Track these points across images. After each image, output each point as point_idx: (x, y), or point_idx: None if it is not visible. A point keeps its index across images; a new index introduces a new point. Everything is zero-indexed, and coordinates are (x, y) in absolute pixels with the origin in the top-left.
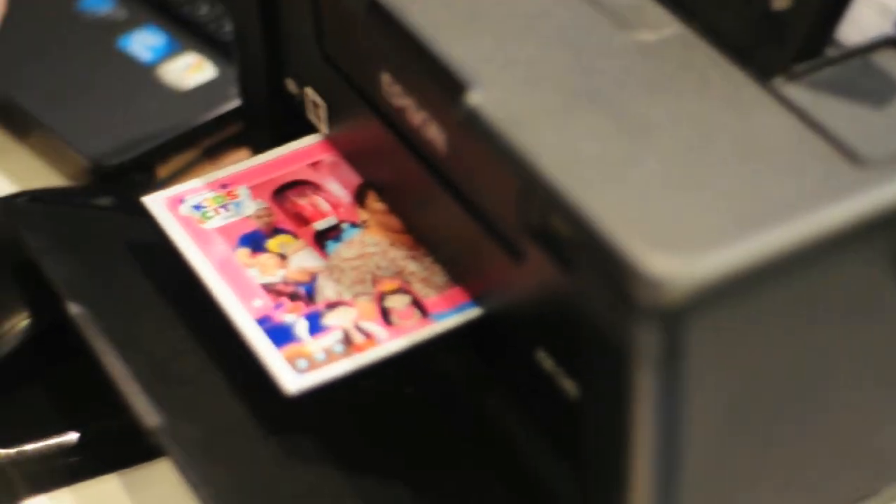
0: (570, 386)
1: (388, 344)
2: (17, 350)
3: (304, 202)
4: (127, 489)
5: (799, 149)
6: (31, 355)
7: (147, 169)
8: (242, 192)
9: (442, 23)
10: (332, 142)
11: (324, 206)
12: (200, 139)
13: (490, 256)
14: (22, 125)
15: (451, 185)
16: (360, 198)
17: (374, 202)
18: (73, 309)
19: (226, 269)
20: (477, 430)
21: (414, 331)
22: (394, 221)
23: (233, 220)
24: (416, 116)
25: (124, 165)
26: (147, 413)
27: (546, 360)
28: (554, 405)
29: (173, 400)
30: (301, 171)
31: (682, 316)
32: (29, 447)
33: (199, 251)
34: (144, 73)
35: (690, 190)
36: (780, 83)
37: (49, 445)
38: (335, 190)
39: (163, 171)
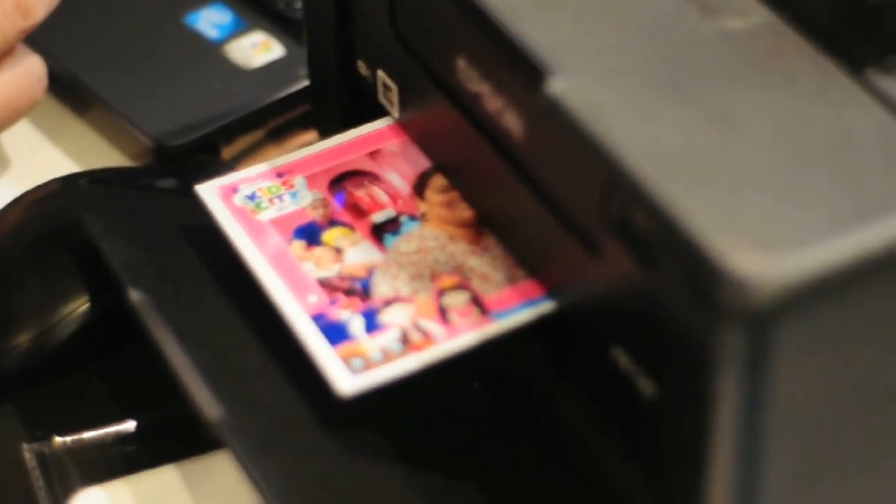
0: (646, 385)
1: (447, 343)
2: (76, 335)
3: (362, 193)
4: (184, 481)
5: (891, 144)
6: (90, 341)
7: (211, 150)
8: (298, 181)
9: (522, 5)
10: (403, 126)
11: (382, 197)
12: (266, 120)
13: (565, 249)
14: (84, 101)
15: (527, 174)
16: (419, 189)
17: (433, 194)
18: (133, 296)
19: (280, 262)
20: (544, 427)
21: (473, 330)
22: (454, 215)
23: (288, 211)
24: (493, 102)
25: (188, 146)
26: (208, 406)
27: (621, 358)
28: (627, 404)
29: (235, 392)
30: (359, 161)
31: (769, 318)
32: (85, 435)
33: (253, 244)
34: (211, 51)
35: (779, 185)
36: (872, 75)
37: (106, 434)
38: (394, 181)
39: (227, 153)
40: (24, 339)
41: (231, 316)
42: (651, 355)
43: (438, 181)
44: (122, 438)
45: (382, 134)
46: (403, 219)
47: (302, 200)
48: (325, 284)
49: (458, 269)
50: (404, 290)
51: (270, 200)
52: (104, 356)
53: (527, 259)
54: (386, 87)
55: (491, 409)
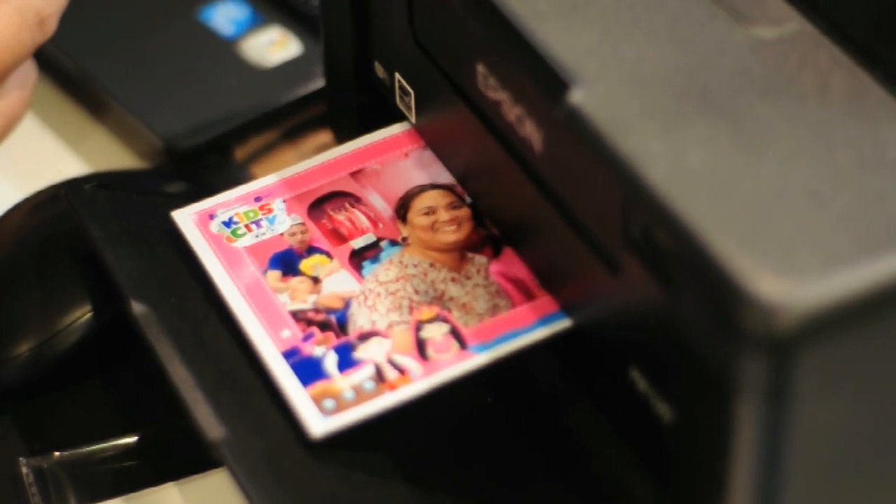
0: (664, 409)
1: (422, 381)
2: (77, 346)
3: (342, 217)
4: (184, 500)
5: None
6: (91, 352)
7: (224, 151)
8: (277, 205)
9: (544, 12)
10: (420, 132)
11: (362, 221)
12: (281, 120)
13: (583, 265)
14: (96, 101)
15: (546, 186)
16: (401, 212)
17: (416, 216)
18: (135, 308)
19: (254, 294)
20: (559, 446)
21: (450, 366)
22: (437, 239)
23: (265, 237)
24: (512, 111)
25: (200, 147)
26: (209, 425)
27: (640, 380)
28: (645, 427)
29: (236, 411)
30: (341, 182)
31: (792, 345)
32: (84, 450)
33: (227, 275)
34: (225, 48)
35: (807, 206)
36: None
37: (105, 449)
38: (376, 203)
39: (240, 154)
40: (24, 349)
41: (235, 331)
42: (669, 379)
43: (421, 203)
44: (122, 454)
45: (364, 152)
46: (384, 244)
47: (280, 226)
48: (300, 318)
49: (439, 299)
50: (381, 323)
51: (248, 227)
52: (106, 368)
53: (544, 273)
54: (403, 90)
55: (503, 425)
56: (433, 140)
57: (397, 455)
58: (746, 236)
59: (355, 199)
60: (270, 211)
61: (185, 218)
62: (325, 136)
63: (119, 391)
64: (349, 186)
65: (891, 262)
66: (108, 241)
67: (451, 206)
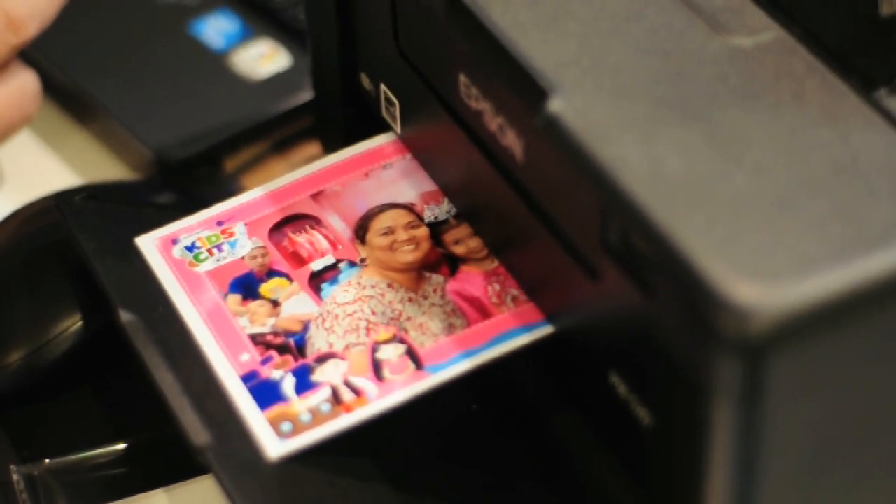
0: (643, 413)
1: (378, 402)
2: (67, 355)
3: (302, 239)
4: None
5: None
6: (82, 361)
7: (214, 162)
8: (239, 229)
9: (524, 23)
10: (405, 142)
11: (322, 243)
12: (271, 132)
13: (563, 272)
14: (86, 112)
15: (527, 194)
16: (360, 233)
17: (375, 237)
18: (124, 317)
19: (215, 318)
20: (541, 450)
21: (406, 387)
22: (395, 259)
23: (226, 261)
24: (494, 121)
25: (191, 159)
26: (195, 431)
27: (620, 385)
28: (625, 431)
29: (222, 418)
30: (301, 204)
31: (767, 349)
32: (74, 457)
33: (188, 299)
34: (215, 61)
35: (782, 212)
36: (883, 96)
37: (95, 456)
38: (336, 224)
39: (230, 165)
40: (15, 357)
41: None
42: (648, 384)
43: (380, 223)
44: (112, 461)
45: (324, 174)
46: (343, 265)
47: (241, 250)
48: (259, 341)
49: (396, 319)
50: (339, 345)
51: (210, 251)
52: (96, 376)
53: (525, 280)
54: (389, 101)
55: (488, 431)
56: (418, 150)
57: (382, 461)
58: (722, 241)
59: (315, 221)
60: (232, 235)
61: (149, 244)
62: (313, 148)
63: (109, 399)
64: (310, 208)
65: (863, 267)
66: (98, 251)
67: (410, 226)
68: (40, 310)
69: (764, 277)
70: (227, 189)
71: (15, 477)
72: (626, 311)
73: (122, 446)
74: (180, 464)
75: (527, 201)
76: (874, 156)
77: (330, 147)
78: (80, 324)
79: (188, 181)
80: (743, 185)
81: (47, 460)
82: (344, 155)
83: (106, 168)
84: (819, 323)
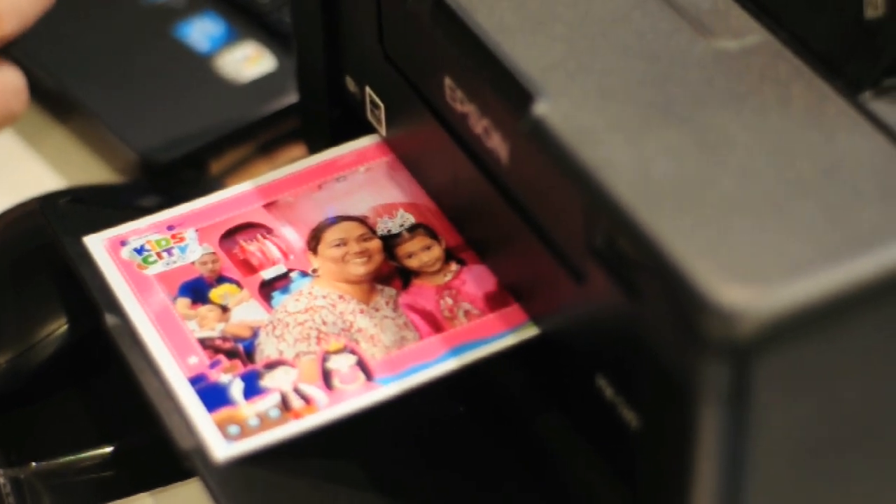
0: (631, 416)
1: (327, 411)
2: (53, 358)
3: (253, 248)
4: None
5: (886, 170)
6: (68, 364)
7: (199, 165)
8: (189, 234)
9: (510, 26)
10: (390, 145)
11: (273, 252)
12: (256, 135)
13: (549, 274)
14: (71, 114)
15: (512, 197)
16: (313, 244)
17: (327, 248)
18: (110, 320)
19: (163, 320)
20: (529, 453)
21: (356, 396)
22: (347, 271)
23: (176, 265)
24: (479, 124)
25: (176, 162)
26: (181, 435)
27: (607, 388)
28: (613, 434)
29: None
30: (253, 214)
31: (753, 352)
32: (61, 460)
33: (136, 300)
34: (201, 64)
35: (768, 215)
36: (868, 98)
37: (82, 459)
38: (288, 234)
39: (216, 168)
40: (0, 361)
41: None
42: (635, 387)
43: (333, 235)
44: (99, 464)
45: (279, 184)
46: (294, 275)
47: (191, 255)
48: (208, 345)
49: (347, 330)
50: (288, 353)
51: (159, 254)
52: (82, 380)
53: (511, 283)
54: (374, 104)
55: (474, 434)
56: (403, 152)
57: (368, 463)
58: (708, 245)
59: (267, 231)
60: (182, 240)
61: (97, 244)
62: (299, 150)
63: (95, 403)
64: (262, 218)
65: (850, 269)
66: (83, 255)
67: (362, 239)
68: (25, 313)
69: (750, 280)
70: (213, 192)
71: (1, 480)
72: (613, 314)
73: (108, 450)
74: (166, 467)
75: (512, 204)
76: (860, 158)
77: (315, 149)
78: (65, 327)
79: (173, 184)
80: (729, 188)
81: (33, 463)
82: (299, 166)
83: (91, 170)
84: (805, 325)
